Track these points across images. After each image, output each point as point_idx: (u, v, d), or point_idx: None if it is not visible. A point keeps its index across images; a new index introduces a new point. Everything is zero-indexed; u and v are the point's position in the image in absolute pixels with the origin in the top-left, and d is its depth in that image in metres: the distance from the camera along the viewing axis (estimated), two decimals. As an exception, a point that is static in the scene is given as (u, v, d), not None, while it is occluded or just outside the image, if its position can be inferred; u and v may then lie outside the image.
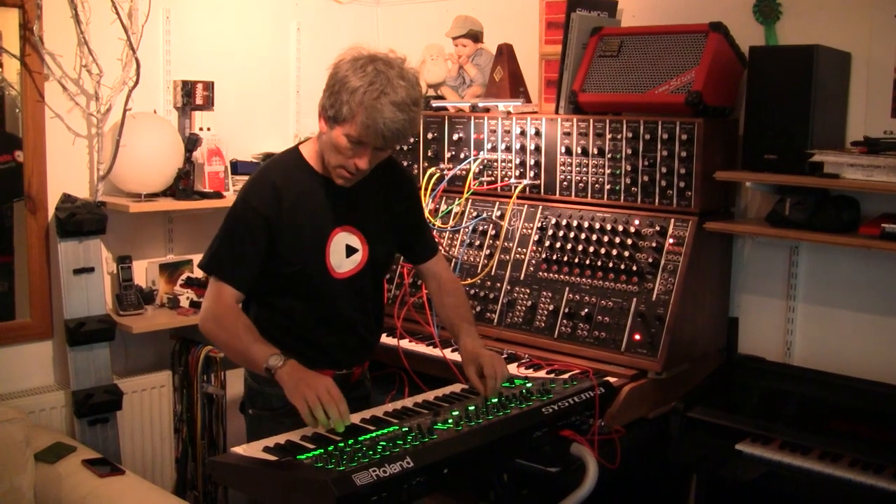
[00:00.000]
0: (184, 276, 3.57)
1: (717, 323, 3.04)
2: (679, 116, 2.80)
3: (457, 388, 2.47)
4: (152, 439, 3.51)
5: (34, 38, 3.11)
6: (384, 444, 1.92)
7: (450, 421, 2.09)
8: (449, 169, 3.35)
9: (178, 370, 3.53)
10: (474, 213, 3.28)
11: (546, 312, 2.97)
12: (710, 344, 3.00)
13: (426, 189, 3.35)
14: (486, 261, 3.18)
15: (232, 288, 2.20)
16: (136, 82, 3.31)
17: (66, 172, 3.28)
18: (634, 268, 2.84)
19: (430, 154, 3.43)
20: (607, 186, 2.98)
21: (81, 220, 3.14)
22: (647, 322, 2.75)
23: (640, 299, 2.80)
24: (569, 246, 2.99)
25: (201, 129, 3.56)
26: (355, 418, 2.14)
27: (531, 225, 3.12)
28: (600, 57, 3.01)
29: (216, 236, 2.27)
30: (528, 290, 3.04)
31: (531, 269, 3.07)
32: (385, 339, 2.88)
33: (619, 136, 2.94)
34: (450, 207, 3.35)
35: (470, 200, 3.31)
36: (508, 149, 3.21)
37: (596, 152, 2.99)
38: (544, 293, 3.00)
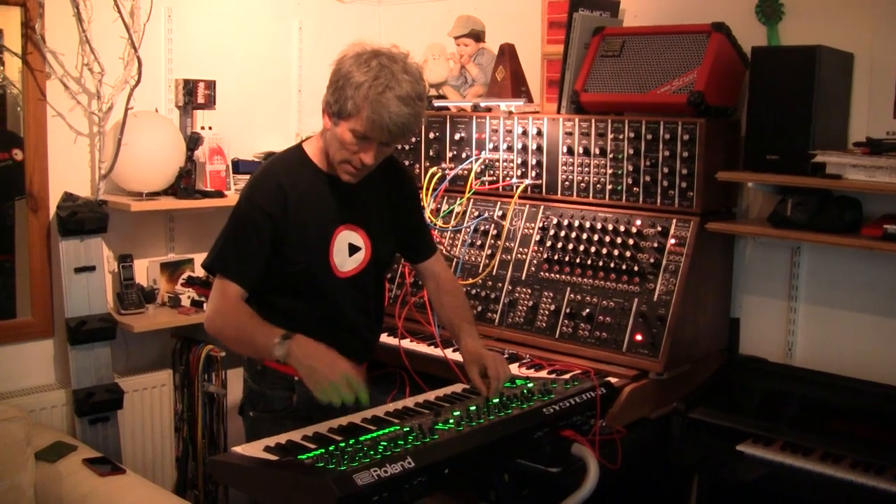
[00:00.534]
0: (185, 275, 3.57)
1: (719, 323, 3.04)
2: (681, 117, 2.80)
3: (458, 388, 2.47)
4: (153, 438, 3.51)
5: (36, 36, 3.11)
6: (385, 443, 1.92)
7: (451, 421, 2.09)
8: (450, 168, 3.35)
9: (178, 369, 3.53)
10: (476, 213, 3.28)
11: (547, 312, 2.96)
12: (712, 344, 3.00)
13: (428, 189, 3.35)
14: (487, 261, 3.18)
15: (237, 286, 2.19)
16: (138, 81, 3.30)
17: (67, 171, 3.28)
18: (636, 268, 2.84)
19: (431, 154, 3.43)
20: (609, 186, 2.98)
21: (83, 218, 3.14)
22: (648, 322, 2.75)
23: (642, 300, 2.80)
24: (570, 246, 2.99)
25: (203, 127, 3.56)
26: (356, 418, 2.14)
27: (533, 225, 3.12)
28: (602, 57, 3.01)
29: (220, 235, 2.26)
30: (529, 290, 3.04)
31: (532, 269, 3.06)
32: (386, 338, 2.88)
33: (620, 137, 2.93)
34: (451, 207, 3.34)
35: (471, 200, 3.31)
36: (510, 148, 3.21)
37: (598, 152, 2.99)
38: (546, 293, 3.00)
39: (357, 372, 2.05)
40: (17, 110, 3.19)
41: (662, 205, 2.87)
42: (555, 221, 3.07)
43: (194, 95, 3.50)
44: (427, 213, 3.26)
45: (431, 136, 3.42)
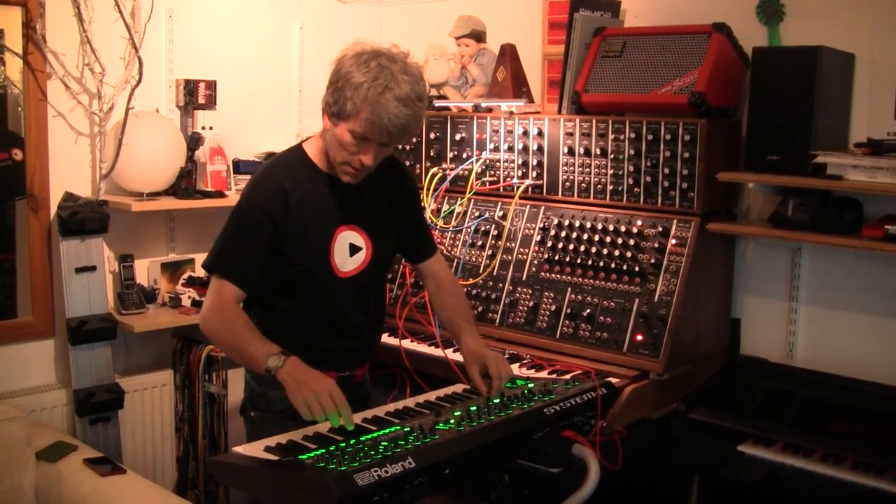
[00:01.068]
0: (185, 276, 3.57)
1: (720, 324, 3.04)
2: (682, 117, 2.80)
3: (458, 388, 2.47)
4: (153, 438, 3.51)
5: (37, 36, 3.11)
6: (386, 444, 1.92)
7: (451, 421, 2.09)
8: (451, 169, 3.35)
9: (179, 369, 3.53)
10: (476, 214, 3.28)
11: (548, 313, 2.96)
12: (713, 345, 3.00)
13: (428, 189, 3.35)
14: (488, 261, 3.18)
15: (234, 287, 2.18)
16: (139, 81, 3.30)
17: (68, 171, 3.28)
18: (637, 268, 2.84)
19: (432, 154, 3.43)
20: (610, 187, 2.98)
21: (83, 218, 3.14)
22: (649, 323, 2.75)
23: (643, 300, 2.80)
24: (571, 246, 2.99)
25: (203, 128, 3.56)
26: (357, 418, 2.14)
27: (533, 225, 3.12)
28: (603, 57, 3.01)
29: (220, 235, 2.26)
30: (530, 291, 3.04)
31: (533, 269, 3.06)
32: (387, 338, 2.88)
33: (621, 137, 2.93)
34: (452, 207, 3.34)
35: (472, 200, 3.31)
36: (511, 149, 3.21)
37: (598, 153, 2.99)
38: (546, 293, 3.00)
39: (346, 403, 2.03)
40: (17, 110, 3.19)
41: (663, 205, 2.87)
42: (555, 222, 3.07)
43: (195, 95, 3.50)
44: (428, 214, 3.26)
45: (432, 136, 3.42)
